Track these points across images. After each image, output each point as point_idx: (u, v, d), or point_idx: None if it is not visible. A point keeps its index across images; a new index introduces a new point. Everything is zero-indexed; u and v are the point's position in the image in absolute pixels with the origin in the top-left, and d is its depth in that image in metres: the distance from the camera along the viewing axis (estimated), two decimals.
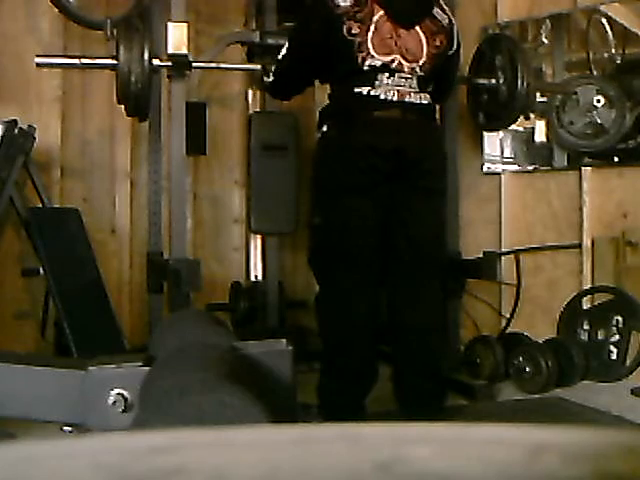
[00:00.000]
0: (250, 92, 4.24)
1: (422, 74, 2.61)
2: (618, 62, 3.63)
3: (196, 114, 3.78)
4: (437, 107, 2.95)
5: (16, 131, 3.23)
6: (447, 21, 2.72)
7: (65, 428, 0.93)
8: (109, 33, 2.91)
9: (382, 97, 2.53)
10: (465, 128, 3.71)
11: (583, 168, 3.56)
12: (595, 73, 3.70)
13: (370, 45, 2.51)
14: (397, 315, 2.65)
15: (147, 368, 0.88)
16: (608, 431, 0.36)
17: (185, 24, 2.91)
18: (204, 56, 3.55)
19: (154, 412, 0.73)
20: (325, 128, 2.61)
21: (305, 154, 3.48)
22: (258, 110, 4.17)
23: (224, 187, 4.42)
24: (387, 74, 2.54)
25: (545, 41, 3.82)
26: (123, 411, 0.87)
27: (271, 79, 2.78)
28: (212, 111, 4.15)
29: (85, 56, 2.99)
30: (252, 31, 3.85)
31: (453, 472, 0.32)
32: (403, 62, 2.56)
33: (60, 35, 3.71)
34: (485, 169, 3.92)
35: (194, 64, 2.99)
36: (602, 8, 3.63)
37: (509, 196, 3.82)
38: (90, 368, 0.90)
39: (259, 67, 3.24)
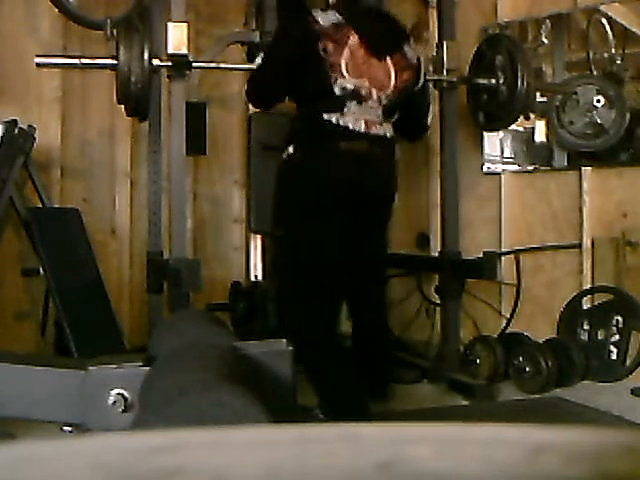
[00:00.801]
0: None
1: (387, 103, 2.66)
2: (618, 62, 3.63)
3: (196, 114, 3.78)
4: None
5: (16, 131, 3.23)
6: (415, 60, 2.78)
7: (65, 428, 0.93)
8: (109, 33, 2.90)
9: (350, 127, 2.56)
10: (465, 128, 3.71)
11: (583, 168, 3.56)
12: (595, 73, 3.70)
13: (343, 66, 2.54)
14: (363, 314, 2.88)
15: (147, 368, 0.88)
16: (608, 431, 0.36)
17: (185, 24, 2.91)
18: (204, 56, 3.55)
19: (154, 412, 0.73)
20: (291, 150, 2.61)
21: None
22: (258, 110, 4.16)
23: (224, 187, 4.41)
24: (355, 101, 2.57)
25: (545, 41, 3.81)
26: (123, 411, 0.87)
27: (246, 87, 2.79)
28: (212, 111, 4.15)
29: (85, 56, 2.99)
30: (252, 31, 3.85)
31: (453, 472, 0.32)
32: (372, 89, 2.59)
33: (60, 35, 3.71)
34: (485, 169, 3.92)
35: (194, 64, 2.99)
36: (602, 8, 3.62)
37: (509, 196, 3.82)
38: (90, 368, 0.90)
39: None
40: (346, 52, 2.54)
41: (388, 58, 2.66)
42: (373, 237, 2.78)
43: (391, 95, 2.66)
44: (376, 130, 2.63)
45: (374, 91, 2.60)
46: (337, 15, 2.58)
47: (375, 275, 2.88)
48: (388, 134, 2.69)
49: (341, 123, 2.55)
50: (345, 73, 2.54)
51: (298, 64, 2.56)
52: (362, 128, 2.58)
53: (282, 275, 2.80)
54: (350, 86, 2.55)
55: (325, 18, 2.57)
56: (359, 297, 2.86)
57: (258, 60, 2.71)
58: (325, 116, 2.55)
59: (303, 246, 2.62)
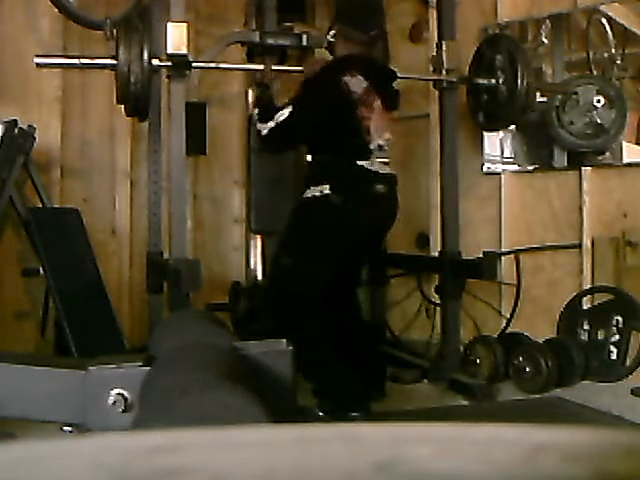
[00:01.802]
0: (250, 92, 4.24)
1: (388, 147, 3.02)
2: (618, 62, 3.63)
3: (196, 114, 3.78)
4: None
5: (16, 131, 3.23)
6: None
7: (65, 428, 0.93)
8: (109, 33, 2.90)
9: (380, 172, 2.91)
10: (465, 128, 3.71)
11: (583, 168, 3.56)
12: (595, 73, 3.70)
13: (372, 128, 2.89)
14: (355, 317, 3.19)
15: (147, 368, 0.88)
16: (608, 431, 0.36)
17: (185, 24, 2.90)
18: (204, 56, 3.54)
19: (154, 412, 0.73)
20: (327, 190, 2.81)
21: (305, 153, 3.49)
22: None
23: (224, 187, 4.41)
24: (378, 148, 2.93)
25: (545, 41, 3.81)
26: (123, 411, 0.87)
27: (265, 132, 2.87)
28: (212, 111, 4.15)
29: (85, 56, 2.98)
30: (252, 31, 3.85)
31: (453, 472, 0.32)
32: (388, 139, 2.98)
33: (60, 35, 3.70)
34: (485, 169, 3.92)
35: (194, 64, 2.99)
36: (602, 8, 3.62)
37: (509, 196, 3.81)
38: (90, 368, 0.90)
39: (260, 67, 3.26)
40: (374, 115, 2.89)
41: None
42: (370, 253, 3.15)
43: (391, 138, 3.02)
44: (385, 170, 2.96)
45: (388, 139, 2.98)
46: (364, 80, 2.87)
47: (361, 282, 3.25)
48: (393, 172, 3.04)
49: (372, 169, 2.89)
50: (374, 134, 2.89)
51: (330, 129, 2.85)
52: (386, 170, 2.95)
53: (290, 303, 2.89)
54: (381, 142, 2.92)
55: (356, 85, 2.85)
56: (351, 302, 3.09)
57: (285, 113, 2.81)
58: (359, 162, 2.87)
59: (314, 272, 2.85)
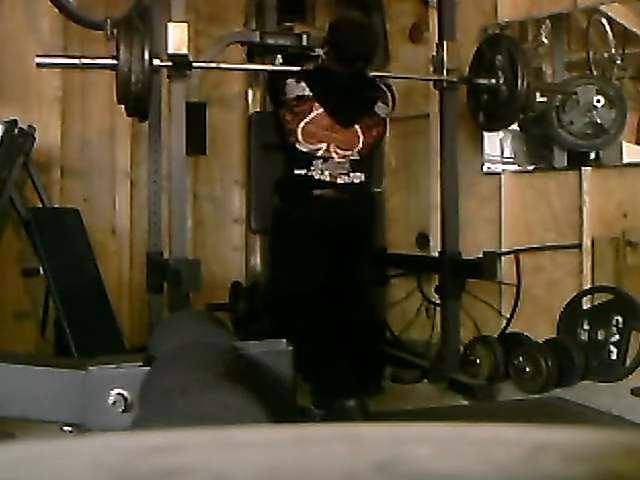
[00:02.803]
0: (250, 92, 4.24)
1: (357, 158, 3.04)
2: (618, 62, 3.63)
3: (196, 114, 3.78)
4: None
5: (16, 131, 3.23)
6: (387, 111, 3.13)
7: (65, 428, 0.93)
8: (109, 33, 2.90)
9: (316, 177, 2.98)
10: (465, 128, 3.71)
11: (583, 168, 3.56)
12: (595, 73, 3.70)
13: (299, 133, 2.95)
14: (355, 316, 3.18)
15: (147, 368, 0.88)
16: (608, 431, 0.36)
17: (185, 24, 2.90)
18: (204, 56, 3.54)
19: (154, 412, 0.73)
20: (276, 201, 3.09)
21: None
22: (258, 110, 4.17)
23: (224, 187, 4.41)
24: (321, 160, 2.98)
25: (545, 41, 3.81)
26: (123, 411, 0.87)
27: None
28: (212, 111, 4.15)
29: (85, 56, 2.98)
30: (252, 31, 3.85)
31: (453, 472, 0.32)
32: (337, 150, 2.98)
33: (60, 35, 3.70)
34: (485, 169, 3.92)
35: (194, 64, 2.99)
36: (602, 8, 3.62)
37: (509, 196, 3.81)
38: (90, 368, 0.90)
39: (260, 67, 3.26)
40: (304, 122, 2.93)
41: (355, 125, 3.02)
42: (352, 255, 3.14)
43: (363, 150, 3.04)
44: (342, 180, 3.01)
45: (337, 151, 2.98)
46: (306, 89, 2.94)
47: (362, 280, 3.25)
48: (356, 181, 3.05)
49: (308, 175, 2.97)
50: (300, 138, 2.95)
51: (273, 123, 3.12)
52: (328, 178, 2.98)
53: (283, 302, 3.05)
54: (304, 149, 2.96)
55: (292, 90, 2.95)
56: (350, 301, 3.14)
57: None
58: (296, 171, 2.99)
59: (292, 273, 2.98)
